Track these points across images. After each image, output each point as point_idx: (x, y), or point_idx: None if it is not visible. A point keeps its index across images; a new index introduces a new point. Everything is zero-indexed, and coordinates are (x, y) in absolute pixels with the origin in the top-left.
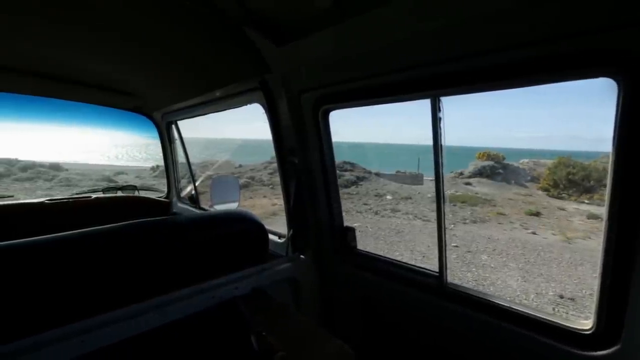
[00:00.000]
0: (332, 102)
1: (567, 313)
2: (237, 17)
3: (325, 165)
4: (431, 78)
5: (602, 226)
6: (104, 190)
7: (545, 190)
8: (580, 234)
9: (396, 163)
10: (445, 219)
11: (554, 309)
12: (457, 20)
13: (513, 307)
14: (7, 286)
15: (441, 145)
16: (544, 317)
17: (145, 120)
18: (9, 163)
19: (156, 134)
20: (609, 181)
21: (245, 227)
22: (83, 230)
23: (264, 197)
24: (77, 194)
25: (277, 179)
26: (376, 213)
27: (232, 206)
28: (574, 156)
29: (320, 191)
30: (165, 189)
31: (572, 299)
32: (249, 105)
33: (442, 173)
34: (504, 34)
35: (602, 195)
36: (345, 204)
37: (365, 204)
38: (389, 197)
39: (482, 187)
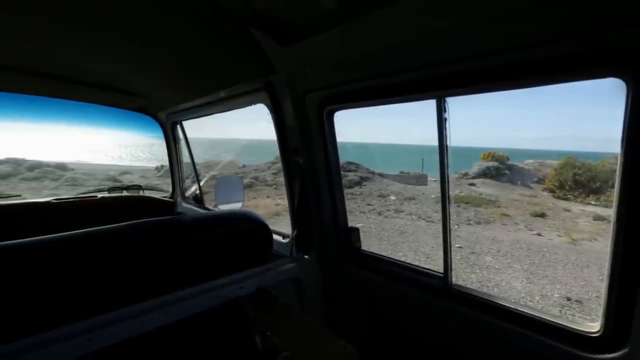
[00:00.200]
0: (337, 103)
1: (574, 315)
2: (242, 17)
3: (329, 165)
4: (437, 78)
5: (608, 228)
6: (110, 190)
7: (551, 191)
8: (587, 235)
9: (401, 164)
10: (450, 220)
11: (560, 310)
12: (463, 20)
13: (519, 308)
14: (14, 285)
15: (446, 145)
16: (550, 319)
17: (149, 120)
18: (16, 163)
19: (160, 134)
20: (617, 182)
21: (250, 227)
22: (88, 229)
23: (268, 197)
24: (83, 193)
25: (280, 179)
26: (380, 214)
27: (236, 206)
28: (580, 157)
29: (324, 191)
30: (170, 189)
31: (579, 301)
32: (253, 106)
33: (448, 174)
34: (510, 34)
35: (609, 197)
36: (349, 205)
37: (368, 205)
38: (392, 197)
39: (486, 188)
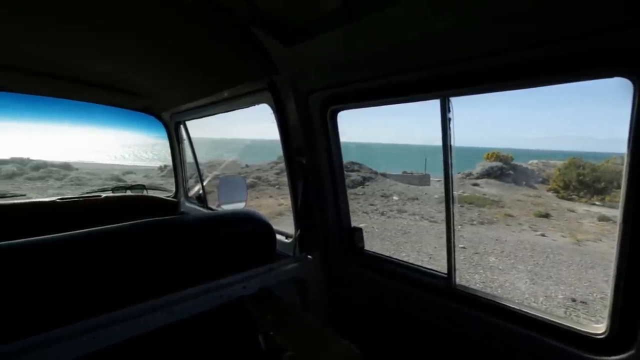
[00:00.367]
0: (341, 103)
1: (579, 317)
2: (245, 16)
3: (333, 165)
4: (440, 78)
5: (613, 229)
6: (114, 190)
7: (555, 191)
8: (591, 236)
9: (404, 164)
10: (454, 220)
11: (565, 312)
12: (467, 20)
13: (523, 309)
14: (19, 284)
15: (450, 145)
16: (555, 320)
17: (152, 120)
18: (22, 162)
19: (163, 134)
20: (623, 182)
21: (253, 227)
22: (92, 229)
23: (270, 197)
24: (87, 193)
25: (283, 179)
26: (382, 214)
27: (239, 206)
28: (585, 157)
29: (327, 191)
30: (173, 189)
31: (584, 303)
32: (256, 106)
33: (452, 174)
34: (515, 33)
35: (614, 197)
36: (352, 205)
37: (371, 205)
38: (395, 197)
39: (489, 188)
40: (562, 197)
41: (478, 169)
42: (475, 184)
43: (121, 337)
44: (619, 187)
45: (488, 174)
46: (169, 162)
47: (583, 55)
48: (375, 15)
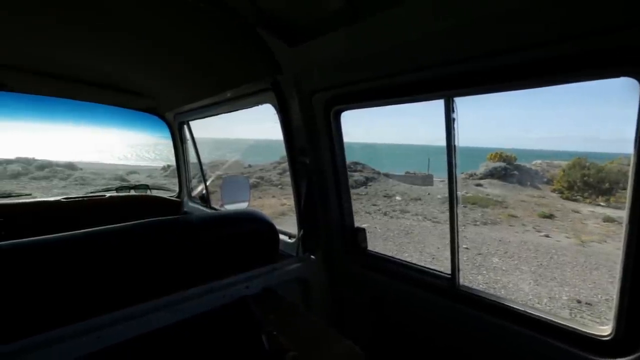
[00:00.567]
0: (344, 103)
1: (584, 318)
2: (249, 17)
3: (336, 165)
4: (444, 78)
5: (619, 230)
6: (118, 189)
7: (559, 192)
8: (596, 237)
9: (407, 164)
10: (458, 220)
11: (570, 313)
12: (471, 20)
13: (528, 310)
14: (23, 284)
15: (454, 145)
16: (560, 321)
17: (155, 120)
18: (27, 162)
19: (166, 134)
20: (629, 183)
21: (256, 226)
22: (96, 228)
23: (273, 197)
24: (91, 192)
25: (286, 179)
26: (385, 214)
27: (242, 206)
28: (589, 157)
29: (331, 191)
30: (177, 189)
31: (588, 304)
32: (259, 106)
33: (456, 174)
34: (519, 33)
35: (619, 198)
36: (354, 205)
37: (374, 205)
38: (398, 197)
39: (493, 189)
40: (567, 198)
41: (481, 169)
42: (479, 185)
43: (124, 337)
44: (624, 187)
45: (491, 174)
46: (172, 161)
47: (588, 55)
48: (378, 16)
